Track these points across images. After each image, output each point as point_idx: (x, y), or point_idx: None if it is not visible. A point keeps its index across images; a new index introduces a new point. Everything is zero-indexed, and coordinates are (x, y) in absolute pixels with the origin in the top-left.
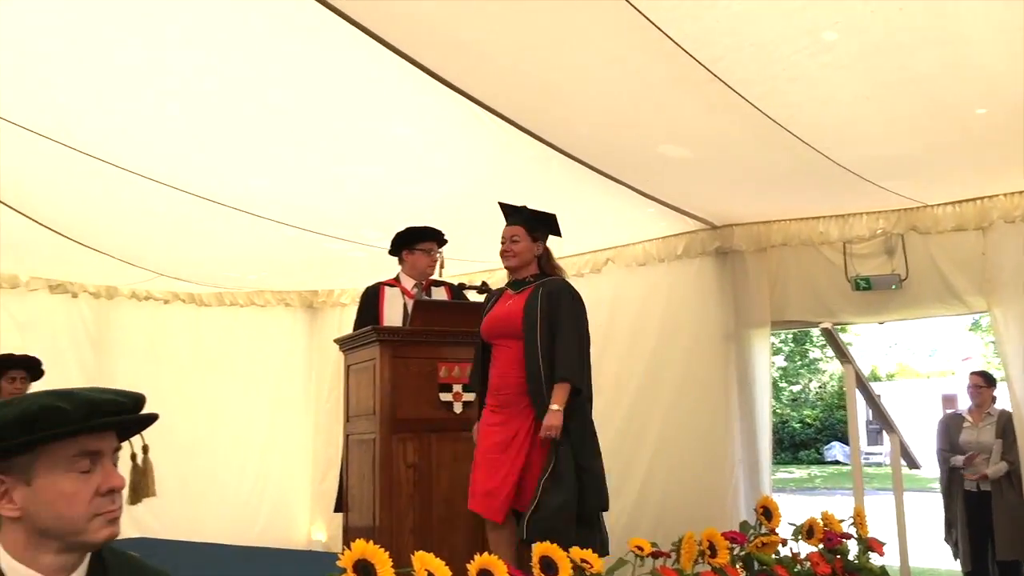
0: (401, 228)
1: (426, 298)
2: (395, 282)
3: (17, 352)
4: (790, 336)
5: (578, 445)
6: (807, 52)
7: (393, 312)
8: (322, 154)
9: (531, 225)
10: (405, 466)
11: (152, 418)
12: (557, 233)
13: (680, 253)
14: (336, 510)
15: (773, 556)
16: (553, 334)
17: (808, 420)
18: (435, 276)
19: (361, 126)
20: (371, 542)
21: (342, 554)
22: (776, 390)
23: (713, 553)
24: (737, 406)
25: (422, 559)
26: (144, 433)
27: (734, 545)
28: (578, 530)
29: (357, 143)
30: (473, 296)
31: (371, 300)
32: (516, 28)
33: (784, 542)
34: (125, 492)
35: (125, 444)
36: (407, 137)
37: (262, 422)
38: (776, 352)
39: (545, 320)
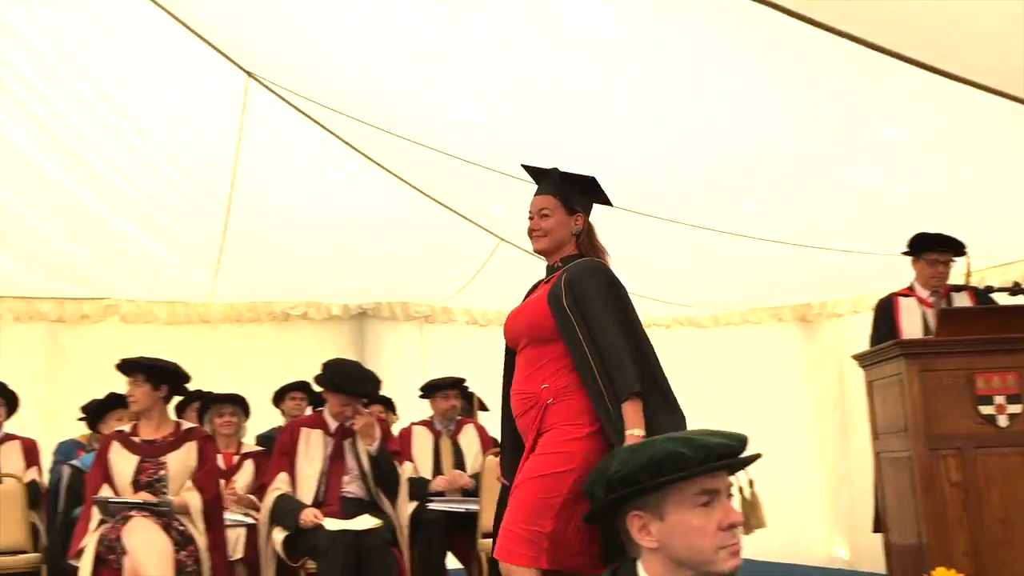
0: (906, 233)
1: (946, 307)
2: (909, 292)
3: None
4: None
5: None
6: None
7: (911, 324)
8: (810, 166)
9: (566, 193)
10: (949, 484)
11: (756, 458)
12: (603, 200)
13: None
14: (875, 530)
15: None
16: (592, 334)
17: None
18: (960, 283)
19: (849, 133)
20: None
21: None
22: None
23: None
24: None
25: None
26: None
27: None
28: None
29: (846, 151)
30: (1003, 299)
31: (886, 313)
32: None
33: None
34: None
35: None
36: (900, 137)
37: (766, 439)
38: None
39: (577, 315)
